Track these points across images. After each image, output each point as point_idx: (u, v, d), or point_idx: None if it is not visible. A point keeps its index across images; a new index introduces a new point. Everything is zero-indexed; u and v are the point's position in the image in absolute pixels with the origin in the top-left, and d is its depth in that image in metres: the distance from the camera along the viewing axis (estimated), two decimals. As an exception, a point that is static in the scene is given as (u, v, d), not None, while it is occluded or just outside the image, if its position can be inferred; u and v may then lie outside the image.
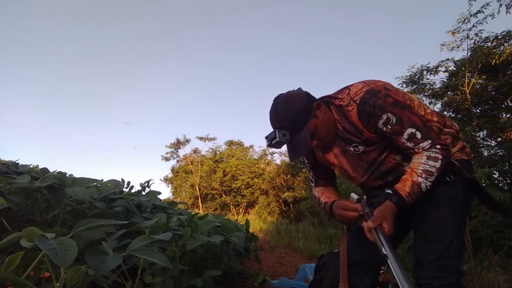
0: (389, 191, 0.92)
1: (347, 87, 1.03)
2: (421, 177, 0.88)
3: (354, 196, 1.11)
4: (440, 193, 0.97)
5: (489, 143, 5.28)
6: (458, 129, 1.06)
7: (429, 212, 0.98)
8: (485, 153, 4.88)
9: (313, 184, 1.28)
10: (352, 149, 1.04)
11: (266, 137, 0.99)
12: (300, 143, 0.96)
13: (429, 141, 0.90)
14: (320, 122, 0.99)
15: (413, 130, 0.90)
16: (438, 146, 0.90)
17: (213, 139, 16.10)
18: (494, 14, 4.75)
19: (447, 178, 0.98)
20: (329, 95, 1.08)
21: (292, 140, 0.97)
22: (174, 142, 15.93)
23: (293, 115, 0.96)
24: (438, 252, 0.92)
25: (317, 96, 1.09)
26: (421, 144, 0.90)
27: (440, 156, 0.89)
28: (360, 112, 0.95)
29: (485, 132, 5.26)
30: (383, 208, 0.89)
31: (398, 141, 0.93)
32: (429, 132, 0.91)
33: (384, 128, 0.93)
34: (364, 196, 1.05)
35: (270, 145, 0.98)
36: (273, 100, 1.03)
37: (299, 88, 1.05)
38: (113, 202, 1.68)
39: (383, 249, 0.79)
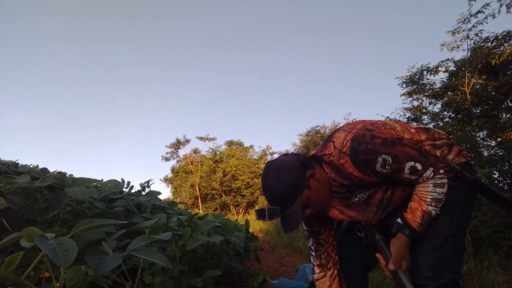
0: (400, 221, 0.92)
1: (330, 140, 0.98)
2: (431, 206, 0.89)
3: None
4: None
5: (489, 143, 5.27)
6: (447, 135, 1.05)
7: None
8: (485, 153, 4.87)
9: (314, 262, 1.14)
10: (356, 199, 1.01)
11: (256, 211, 0.95)
12: (291, 217, 0.90)
13: (431, 169, 0.89)
14: (313, 192, 0.93)
15: (412, 163, 0.89)
16: (441, 171, 0.89)
17: (213, 139, 16.12)
18: (494, 14, 4.75)
19: (452, 183, 0.97)
20: (314, 154, 1.03)
21: (283, 213, 0.91)
22: (174, 142, 15.95)
23: (283, 189, 0.90)
24: (434, 252, 0.92)
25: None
26: (424, 175, 0.90)
27: (446, 180, 0.90)
28: (355, 162, 0.91)
29: (485, 132, 5.26)
30: (399, 244, 0.90)
31: (401, 177, 0.92)
32: (427, 159, 0.90)
33: (384, 170, 0.90)
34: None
35: (259, 219, 0.94)
36: (265, 167, 0.99)
37: (292, 154, 0.99)
38: (113, 202, 1.69)
39: None
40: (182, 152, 16.44)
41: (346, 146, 0.93)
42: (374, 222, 1.03)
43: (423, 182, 0.92)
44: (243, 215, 12.59)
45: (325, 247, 1.12)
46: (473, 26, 5.08)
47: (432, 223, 0.95)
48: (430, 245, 0.93)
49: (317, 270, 1.13)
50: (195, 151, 16.19)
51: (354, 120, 1.03)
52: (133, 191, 2.44)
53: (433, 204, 0.89)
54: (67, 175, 2.04)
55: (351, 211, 1.03)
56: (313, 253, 1.14)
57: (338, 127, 1.02)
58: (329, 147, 0.98)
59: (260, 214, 0.92)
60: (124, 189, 2.26)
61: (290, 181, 0.90)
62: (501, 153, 4.65)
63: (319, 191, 0.95)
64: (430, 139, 1.00)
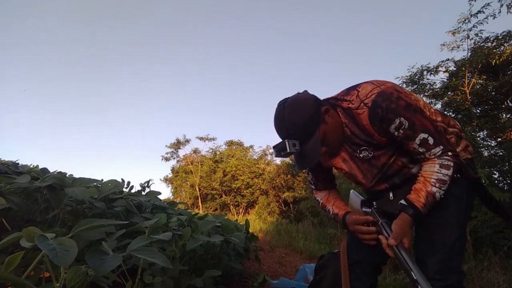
0: (404, 202, 0.90)
1: (355, 89, 0.97)
2: (435, 187, 0.87)
3: (354, 197, 1.09)
4: (446, 192, 0.96)
5: (489, 143, 5.28)
6: (461, 127, 1.04)
7: (434, 211, 0.95)
8: (485, 153, 4.87)
9: (313, 187, 1.24)
10: (361, 155, 1.00)
11: (274, 147, 0.94)
12: (310, 152, 0.91)
13: (441, 147, 0.89)
14: (329, 128, 0.94)
15: (426, 136, 0.88)
16: (449, 153, 0.89)
17: (213, 139, 16.13)
18: (495, 15, 4.75)
19: (454, 176, 0.97)
20: (335, 96, 1.03)
21: (301, 149, 0.91)
22: (174, 142, 15.97)
23: (301, 122, 0.90)
24: (442, 253, 0.91)
25: (322, 97, 1.03)
26: (433, 150, 0.89)
27: (452, 164, 0.89)
28: (372, 116, 0.90)
29: (485, 132, 5.26)
30: (401, 222, 0.87)
31: (409, 146, 0.91)
32: (440, 137, 0.90)
33: (396, 133, 0.90)
34: (374, 204, 1.02)
35: (279, 155, 0.93)
36: (278, 105, 0.97)
37: (305, 91, 1.00)
38: (113, 202, 1.68)
39: (413, 274, 0.79)
40: (182, 152, 16.49)
41: (369, 98, 0.91)
42: (369, 186, 1.03)
43: (429, 161, 0.90)
44: (243, 215, 12.59)
45: (323, 183, 1.21)
46: (473, 26, 5.09)
47: (440, 225, 0.94)
48: (437, 247, 0.93)
49: (314, 190, 1.23)
50: (195, 151, 16.21)
51: None
52: (133, 191, 2.43)
53: (437, 185, 0.87)
54: (67, 175, 2.04)
55: (354, 164, 1.03)
56: (313, 186, 1.23)
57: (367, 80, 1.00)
58: (352, 94, 0.96)
59: (280, 148, 0.91)
60: (124, 189, 2.26)
61: (307, 114, 0.91)
62: (501, 153, 4.65)
63: (334, 128, 0.96)
64: (444, 123, 1.01)
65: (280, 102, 0.98)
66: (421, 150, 0.90)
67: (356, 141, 0.98)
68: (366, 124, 0.93)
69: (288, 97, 0.97)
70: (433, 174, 0.88)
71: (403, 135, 0.89)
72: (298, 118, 0.91)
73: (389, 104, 0.88)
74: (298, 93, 0.99)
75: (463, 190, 0.97)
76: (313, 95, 0.99)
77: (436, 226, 0.95)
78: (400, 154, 0.98)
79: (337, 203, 1.14)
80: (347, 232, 1.15)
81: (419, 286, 0.75)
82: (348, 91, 0.99)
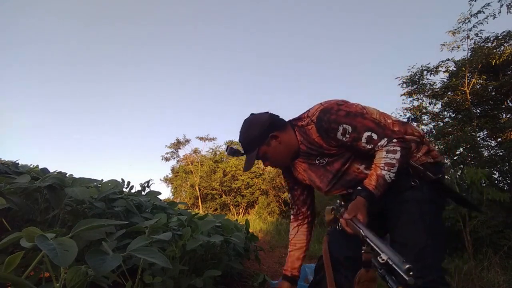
0: (359, 187, 0.98)
1: (307, 110, 1.14)
2: (384, 170, 0.95)
3: (329, 208, 1.17)
4: (407, 197, 1.03)
5: (489, 143, 5.28)
6: (423, 133, 1.11)
7: (399, 216, 1.02)
8: (485, 153, 4.88)
9: (291, 212, 1.37)
10: (317, 162, 1.14)
11: (227, 148, 1.21)
12: (247, 161, 1.15)
13: (385, 139, 0.98)
14: (271, 150, 1.12)
15: (369, 133, 0.99)
16: (394, 140, 0.97)
17: (213, 139, 16.09)
18: (495, 15, 4.75)
19: (412, 183, 1.03)
20: (297, 117, 1.18)
21: (246, 155, 1.15)
22: (174, 142, 15.93)
23: (247, 139, 1.13)
24: (415, 253, 0.95)
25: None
26: (379, 144, 0.98)
27: (398, 148, 0.96)
28: (319, 129, 1.05)
29: (485, 132, 5.26)
30: (354, 202, 0.94)
31: (359, 146, 1.01)
32: (383, 131, 0.99)
33: (344, 139, 1.02)
34: (338, 201, 1.10)
35: (227, 152, 1.20)
36: (249, 115, 1.19)
37: (267, 113, 1.16)
38: (113, 202, 1.69)
39: (361, 231, 0.82)
40: (182, 152, 16.44)
41: (315, 115, 1.07)
42: (326, 190, 1.14)
43: (378, 151, 0.99)
44: (243, 215, 12.59)
45: (296, 203, 1.34)
46: (474, 26, 5.09)
47: (408, 230, 0.99)
48: (410, 250, 0.96)
49: (292, 217, 1.37)
50: (195, 151, 16.19)
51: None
52: (133, 191, 2.44)
53: (386, 168, 0.95)
54: (67, 175, 2.04)
55: (312, 172, 1.17)
56: (291, 205, 1.37)
57: None
58: (305, 114, 1.14)
59: (229, 151, 1.20)
60: (124, 189, 2.26)
61: (253, 135, 1.12)
62: (501, 153, 4.66)
63: (276, 151, 1.13)
64: (402, 133, 1.06)
65: (251, 114, 1.19)
66: (370, 147, 1.00)
67: (311, 153, 1.13)
68: (315, 137, 1.08)
69: (254, 114, 1.18)
70: (382, 160, 0.96)
71: (351, 139, 1.01)
72: (246, 135, 1.14)
73: (329, 116, 1.03)
74: (263, 113, 1.17)
75: (424, 192, 1.02)
76: (271, 119, 1.14)
77: (403, 230, 1.00)
78: (355, 160, 1.08)
79: (291, 258, 1.31)
80: (327, 235, 1.21)
81: (372, 244, 0.74)
82: (304, 112, 1.16)
